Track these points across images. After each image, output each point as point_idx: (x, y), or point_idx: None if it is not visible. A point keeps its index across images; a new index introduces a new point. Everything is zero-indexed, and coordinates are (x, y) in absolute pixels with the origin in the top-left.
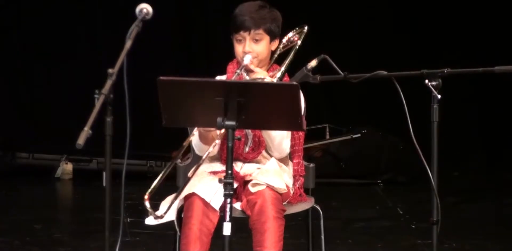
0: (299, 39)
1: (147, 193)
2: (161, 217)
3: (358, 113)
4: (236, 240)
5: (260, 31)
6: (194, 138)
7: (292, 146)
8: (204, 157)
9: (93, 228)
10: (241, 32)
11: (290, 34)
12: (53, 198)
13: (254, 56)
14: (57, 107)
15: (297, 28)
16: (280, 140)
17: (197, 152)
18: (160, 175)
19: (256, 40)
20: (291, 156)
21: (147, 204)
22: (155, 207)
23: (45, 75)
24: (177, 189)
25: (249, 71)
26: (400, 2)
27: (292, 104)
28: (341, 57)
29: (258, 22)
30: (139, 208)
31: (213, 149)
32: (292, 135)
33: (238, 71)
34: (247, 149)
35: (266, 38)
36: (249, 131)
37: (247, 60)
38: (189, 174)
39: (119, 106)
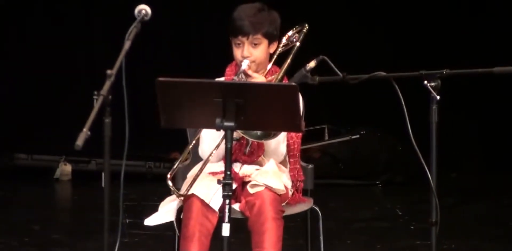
0: (298, 40)
1: (170, 173)
2: (184, 195)
3: (357, 114)
4: (235, 241)
5: (259, 36)
6: (204, 143)
7: (287, 152)
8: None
9: (91, 229)
10: (240, 37)
11: (290, 33)
12: (51, 199)
13: (252, 60)
14: (56, 108)
15: (297, 26)
16: (276, 145)
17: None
18: (182, 155)
19: (255, 45)
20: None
21: (170, 182)
22: (155, 208)
23: (43, 76)
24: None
25: (247, 76)
26: (399, 3)
27: (291, 105)
28: (340, 58)
29: (256, 27)
30: (138, 209)
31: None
32: (287, 140)
33: (235, 78)
34: (247, 151)
35: (265, 42)
36: None
37: (244, 65)
38: (189, 174)
39: (117, 107)
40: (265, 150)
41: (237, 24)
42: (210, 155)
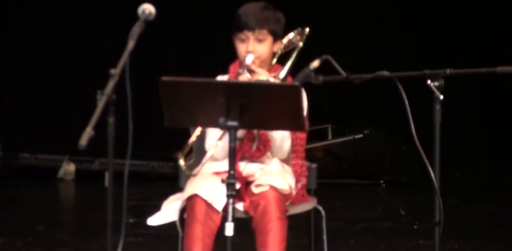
0: (300, 40)
1: (181, 153)
2: (195, 175)
3: (361, 114)
4: (239, 240)
5: (264, 31)
6: (211, 140)
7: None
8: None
9: (95, 228)
10: (245, 31)
11: (291, 35)
12: (55, 199)
13: (257, 56)
14: (59, 107)
15: (299, 29)
16: (281, 141)
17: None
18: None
19: (260, 40)
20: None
21: (182, 162)
22: (158, 208)
23: (47, 75)
24: (179, 190)
25: (250, 71)
26: (403, 2)
27: (294, 105)
28: (343, 58)
29: (262, 23)
30: (141, 209)
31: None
32: (290, 135)
33: (240, 70)
34: (254, 147)
35: (270, 39)
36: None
37: (249, 60)
38: (194, 172)
39: (121, 106)
40: (271, 146)
41: (243, 19)
42: (211, 152)
